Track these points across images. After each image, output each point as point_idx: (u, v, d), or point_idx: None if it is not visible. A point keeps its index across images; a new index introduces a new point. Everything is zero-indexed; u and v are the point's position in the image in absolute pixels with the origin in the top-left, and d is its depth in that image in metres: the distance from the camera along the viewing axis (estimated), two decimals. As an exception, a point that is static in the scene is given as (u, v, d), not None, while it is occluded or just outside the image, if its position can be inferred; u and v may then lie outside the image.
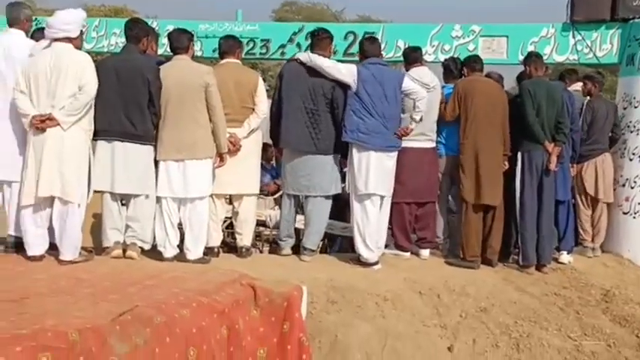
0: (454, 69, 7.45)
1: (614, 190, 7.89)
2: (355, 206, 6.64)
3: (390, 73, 6.66)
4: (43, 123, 5.45)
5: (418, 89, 6.64)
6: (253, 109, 6.51)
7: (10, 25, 5.97)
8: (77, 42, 5.68)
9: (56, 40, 5.60)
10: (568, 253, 7.45)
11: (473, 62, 7.32)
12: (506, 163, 7.09)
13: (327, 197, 6.76)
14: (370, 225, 6.58)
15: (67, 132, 5.50)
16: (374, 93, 6.45)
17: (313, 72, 6.55)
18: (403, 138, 6.67)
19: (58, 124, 5.47)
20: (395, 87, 6.53)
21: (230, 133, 6.30)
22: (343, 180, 7.01)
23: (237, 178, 6.42)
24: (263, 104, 6.54)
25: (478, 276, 6.77)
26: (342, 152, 6.69)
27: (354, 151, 6.56)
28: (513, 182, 7.03)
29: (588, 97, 7.86)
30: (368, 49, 6.77)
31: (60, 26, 5.60)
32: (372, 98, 6.45)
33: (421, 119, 6.66)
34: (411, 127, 6.63)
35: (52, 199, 5.57)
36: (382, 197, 6.67)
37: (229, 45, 6.67)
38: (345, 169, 7.00)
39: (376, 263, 6.65)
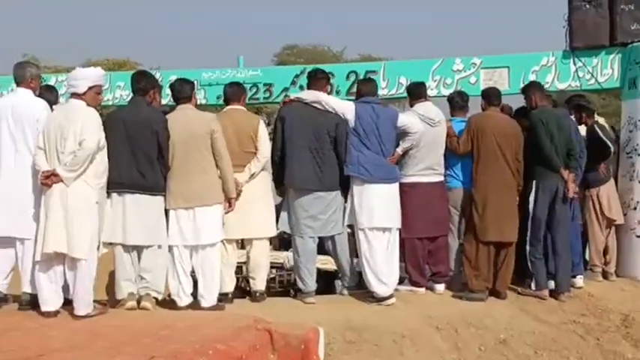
0: (460, 101, 7.44)
1: (625, 214, 7.85)
2: (362, 241, 6.63)
3: (384, 112, 6.71)
4: (47, 179, 5.50)
5: (413, 123, 6.78)
6: (255, 153, 6.52)
7: (18, 85, 6.04)
8: (88, 98, 5.71)
9: (72, 96, 5.74)
10: (580, 277, 7.40)
11: (491, 96, 7.28)
12: (517, 197, 7.06)
13: (341, 232, 6.80)
14: (379, 259, 6.56)
15: (71, 187, 5.51)
16: (369, 129, 6.57)
17: (315, 112, 6.60)
18: (409, 174, 6.82)
19: (62, 180, 5.51)
20: (389, 126, 6.65)
21: None
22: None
23: (246, 223, 6.41)
24: (264, 147, 6.54)
25: (495, 308, 6.72)
26: (343, 187, 6.73)
27: (356, 184, 6.60)
28: (526, 211, 6.99)
29: (583, 125, 7.79)
30: (362, 88, 6.96)
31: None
32: (367, 134, 6.56)
33: (411, 147, 6.77)
34: (398, 151, 6.74)
35: (63, 255, 5.55)
36: (389, 229, 6.67)
37: (234, 92, 6.74)
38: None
39: (390, 297, 6.60)
